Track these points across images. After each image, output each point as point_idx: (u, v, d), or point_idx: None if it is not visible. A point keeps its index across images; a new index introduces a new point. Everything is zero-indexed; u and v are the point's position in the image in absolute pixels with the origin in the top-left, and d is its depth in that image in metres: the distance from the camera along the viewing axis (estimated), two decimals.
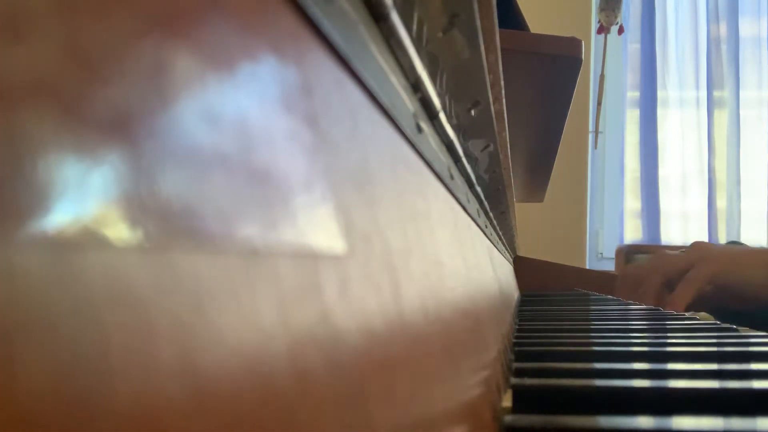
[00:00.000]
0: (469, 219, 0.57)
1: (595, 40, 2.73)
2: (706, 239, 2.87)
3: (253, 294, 0.12)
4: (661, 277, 1.16)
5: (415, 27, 0.32)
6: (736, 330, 0.66)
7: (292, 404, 0.12)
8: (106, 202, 0.08)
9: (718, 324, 0.72)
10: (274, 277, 0.13)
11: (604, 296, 1.29)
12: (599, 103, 2.28)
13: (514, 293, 1.18)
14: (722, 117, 2.92)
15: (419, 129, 0.33)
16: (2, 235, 0.07)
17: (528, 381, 0.39)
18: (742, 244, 1.50)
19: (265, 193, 0.13)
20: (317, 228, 0.16)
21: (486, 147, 0.61)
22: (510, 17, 1.01)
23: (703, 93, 2.93)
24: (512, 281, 1.27)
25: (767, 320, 1.11)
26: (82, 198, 0.08)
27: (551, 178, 1.64)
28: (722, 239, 2.85)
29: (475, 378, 0.31)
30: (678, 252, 1.22)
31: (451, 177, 0.46)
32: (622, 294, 1.24)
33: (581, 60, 0.97)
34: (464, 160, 0.50)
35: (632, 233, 2.93)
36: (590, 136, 2.70)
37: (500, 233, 1.03)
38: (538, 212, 2.40)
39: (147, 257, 0.09)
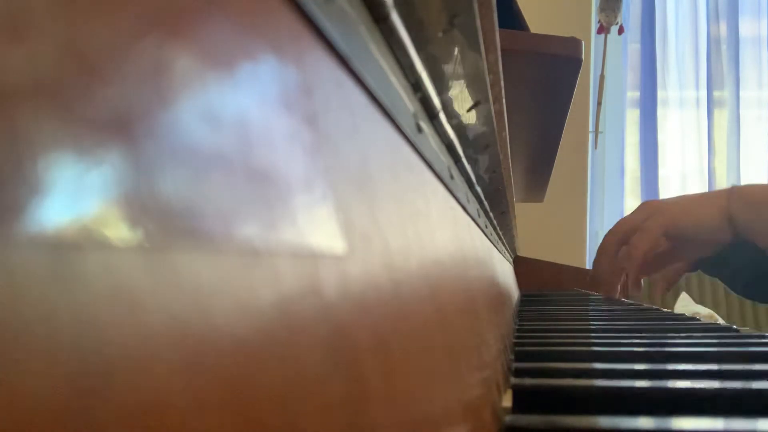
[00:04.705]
0: (469, 219, 0.57)
1: (595, 40, 2.73)
2: None
3: (253, 293, 0.12)
4: (614, 236, 1.15)
5: (415, 27, 0.32)
6: (736, 330, 0.66)
7: (292, 404, 0.12)
8: (106, 201, 0.08)
9: (718, 324, 0.73)
10: (274, 276, 0.13)
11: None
12: (599, 103, 2.28)
13: (514, 293, 1.18)
14: (722, 117, 2.92)
15: (419, 129, 0.33)
16: (2, 235, 0.07)
17: (528, 381, 0.39)
18: None
19: (265, 193, 0.13)
20: (317, 228, 0.16)
21: (486, 147, 0.61)
22: (510, 17, 1.01)
23: (703, 93, 2.94)
24: (512, 281, 1.27)
25: (739, 266, 1.09)
26: (82, 198, 0.08)
27: (551, 178, 1.64)
28: None
29: (476, 378, 0.31)
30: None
31: (451, 177, 0.46)
32: (593, 275, 1.22)
33: (581, 60, 0.97)
34: (464, 160, 0.50)
35: None
36: (590, 136, 2.70)
37: (500, 233, 1.03)
38: (538, 212, 2.40)
39: (147, 257, 0.09)
